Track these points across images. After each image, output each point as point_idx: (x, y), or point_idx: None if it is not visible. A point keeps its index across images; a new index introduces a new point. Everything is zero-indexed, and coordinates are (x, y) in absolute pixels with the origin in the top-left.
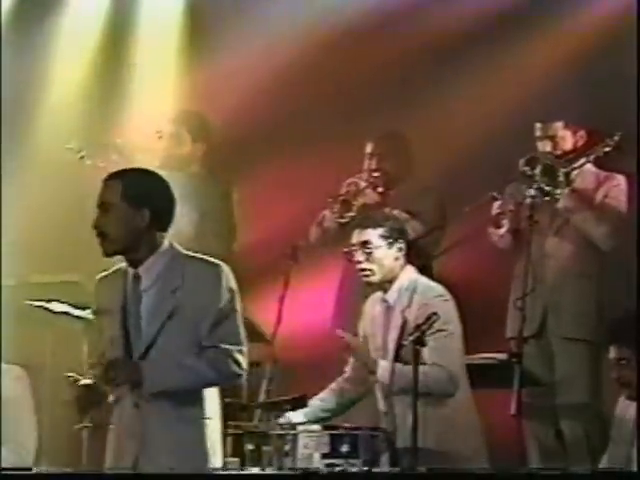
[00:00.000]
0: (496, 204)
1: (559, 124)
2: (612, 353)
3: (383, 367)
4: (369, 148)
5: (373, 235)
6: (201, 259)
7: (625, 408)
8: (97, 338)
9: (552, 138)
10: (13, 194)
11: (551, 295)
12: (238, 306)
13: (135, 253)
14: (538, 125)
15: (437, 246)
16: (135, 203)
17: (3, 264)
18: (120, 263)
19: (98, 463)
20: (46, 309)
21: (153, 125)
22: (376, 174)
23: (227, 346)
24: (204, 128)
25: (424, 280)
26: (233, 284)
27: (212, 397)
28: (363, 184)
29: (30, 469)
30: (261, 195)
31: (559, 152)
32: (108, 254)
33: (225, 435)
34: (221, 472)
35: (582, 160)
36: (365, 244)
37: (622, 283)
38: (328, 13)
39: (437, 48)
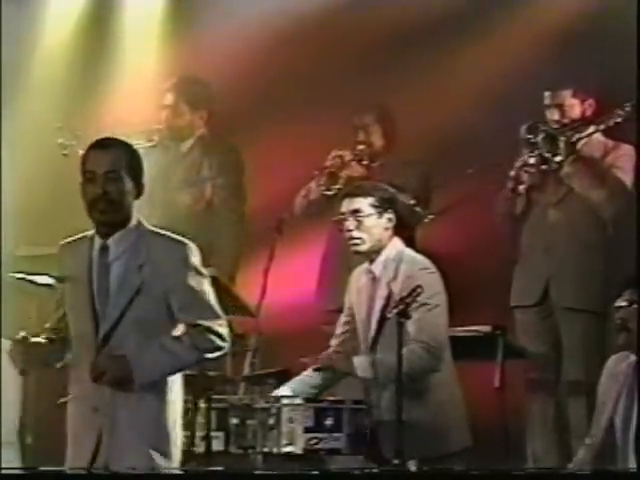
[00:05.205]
0: (518, 162)
1: (567, 92)
2: (623, 300)
3: (361, 363)
4: (354, 121)
5: (364, 204)
6: (167, 236)
7: (618, 364)
8: (57, 303)
9: (560, 106)
10: None
11: (555, 264)
12: (207, 282)
13: (115, 224)
14: (547, 93)
15: (420, 219)
16: (134, 173)
17: None
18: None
19: None
20: (30, 282)
21: (148, 98)
22: (361, 147)
23: (205, 322)
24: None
25: (410, 252)
26: (199, 261)
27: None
28: (348, 157)
29: (30, 469)
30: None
31: (566, 120)
32: (114, 224)
33: (209, 409)
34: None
35: (590, 129)
36: (356, 212)
37: (627, 254)
38: None
39: (427, 22)
